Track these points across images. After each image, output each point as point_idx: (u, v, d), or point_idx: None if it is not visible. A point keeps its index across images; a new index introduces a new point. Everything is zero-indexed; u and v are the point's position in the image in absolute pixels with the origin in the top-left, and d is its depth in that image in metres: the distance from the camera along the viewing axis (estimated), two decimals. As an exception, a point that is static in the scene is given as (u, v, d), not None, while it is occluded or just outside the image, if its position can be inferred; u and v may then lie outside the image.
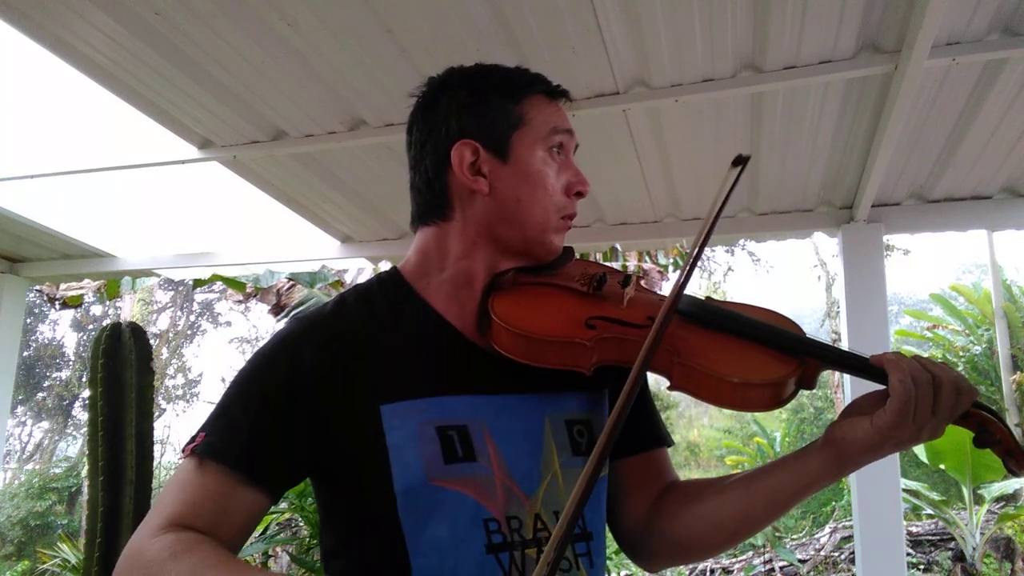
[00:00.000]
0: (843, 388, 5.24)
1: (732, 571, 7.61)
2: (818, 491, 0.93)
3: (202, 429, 0.90)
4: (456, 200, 1.01)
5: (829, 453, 0.90)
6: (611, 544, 1.11)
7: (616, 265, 4.26)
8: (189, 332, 19.08)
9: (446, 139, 1.00)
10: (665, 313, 0.87)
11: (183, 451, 0.89)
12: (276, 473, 0.90)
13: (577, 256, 1.11)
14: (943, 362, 0.90)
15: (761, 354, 0.93)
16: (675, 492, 1.06)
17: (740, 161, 0.97)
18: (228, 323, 19.67)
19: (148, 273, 4.03)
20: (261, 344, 0.99)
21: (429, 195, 1.02)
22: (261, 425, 0.89)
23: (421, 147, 1.03)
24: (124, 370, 2.99)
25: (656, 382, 1.00)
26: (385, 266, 3.75)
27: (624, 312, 0.98)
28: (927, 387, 0.84)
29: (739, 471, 1.00)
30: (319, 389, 0.91)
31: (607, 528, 1.07)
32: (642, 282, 1.07)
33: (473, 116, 1.00)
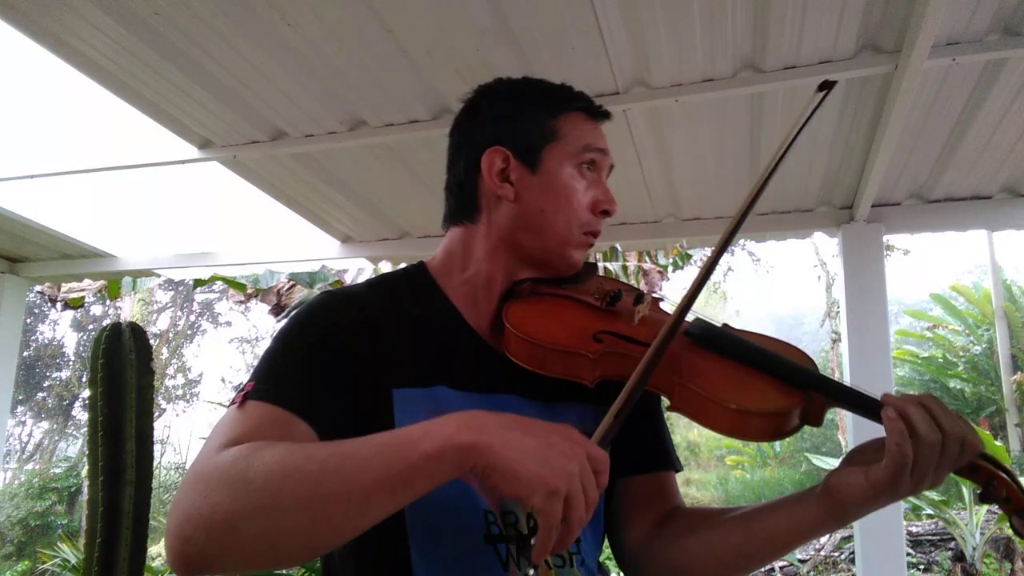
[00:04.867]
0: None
1: (732, 571, 7.61)
2: (821, 536, 0.92)
3: (251, 380, 0.90)
4: (484, 204, 1.05)
5: (827, 502, 0.88)
6: (606, 549, 1.12)
7: (615, 265, 4.26)
8: (189, 332, 19.09)
9: (480, 144, 1.04)
10: (669, 327, 0.87)
11: (231, 402, 0.88)
12: (324, 414, 0.89)
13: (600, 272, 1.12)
14: (954, 412, 0.84)
15: (764, 383, 0.92)
16: (677, 519, 1.06)
17: (826, 86, 0.96)
18: (228, 323, 19.70)
19: (148, 273, 4.03)
20: (297, 310, 1.01)
21: (460, 196, 1.07)
22: (308, 369, 0.90)
23: (457, 150, 1.09)
24: (124, 370, 2.98)
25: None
26: (385, 266, 3.75)
27: (633, 329, 0.98)
28: (933, 448, 0.80)
29: (741, 506, 0.99)
30: (349, 356, 0.93)
31: (605, 543, 1.08)
32: (660, 304, 1.08)
33: (508, 125, 1.04)
